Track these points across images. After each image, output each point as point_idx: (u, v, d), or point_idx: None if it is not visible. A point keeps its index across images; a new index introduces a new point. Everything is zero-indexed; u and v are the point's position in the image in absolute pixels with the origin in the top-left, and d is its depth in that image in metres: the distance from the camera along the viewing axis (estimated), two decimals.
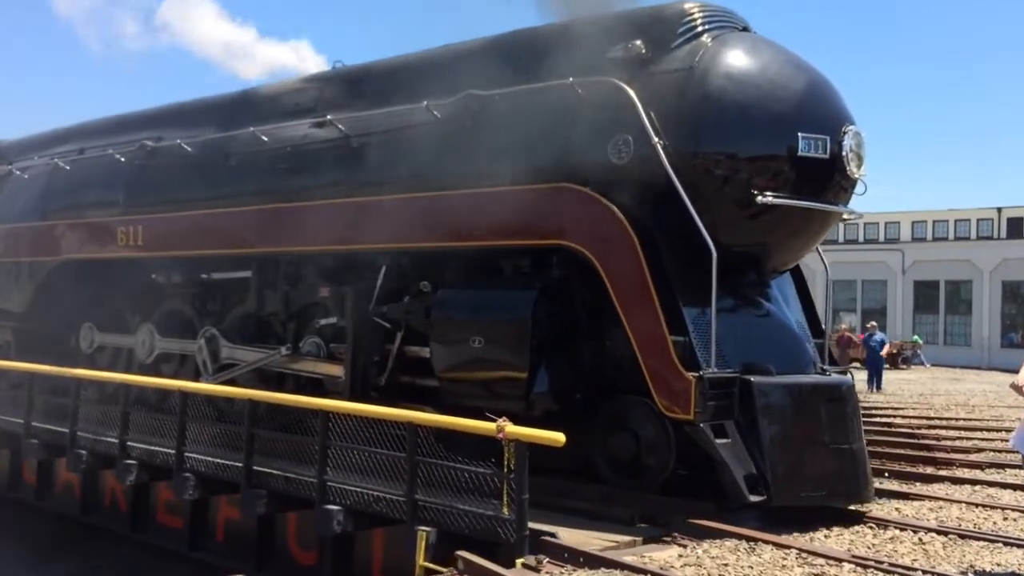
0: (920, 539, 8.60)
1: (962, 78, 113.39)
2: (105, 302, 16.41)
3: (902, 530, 8.87)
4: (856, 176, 9.64)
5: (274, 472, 10.38)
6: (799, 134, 9.21)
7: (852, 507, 9.31)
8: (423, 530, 8.59)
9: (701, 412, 8.51)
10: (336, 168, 12.28)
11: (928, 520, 9.40)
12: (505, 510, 8.04)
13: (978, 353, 45.41)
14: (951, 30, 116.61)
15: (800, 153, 9.24)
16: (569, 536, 8.18)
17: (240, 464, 10.62)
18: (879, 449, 14.11)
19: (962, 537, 8.70)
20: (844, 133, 9.46)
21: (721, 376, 8.76)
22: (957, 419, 19.14)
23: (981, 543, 8.54)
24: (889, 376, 26.54)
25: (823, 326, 11.20)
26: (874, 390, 25.03)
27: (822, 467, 9.03)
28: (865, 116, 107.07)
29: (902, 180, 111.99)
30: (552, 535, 7.98)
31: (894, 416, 19.41)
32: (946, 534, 8.76)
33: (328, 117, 12.34)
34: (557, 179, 9.70)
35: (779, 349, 9.52)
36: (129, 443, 12.46)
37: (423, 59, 12.09)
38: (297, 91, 13.70)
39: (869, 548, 8.26)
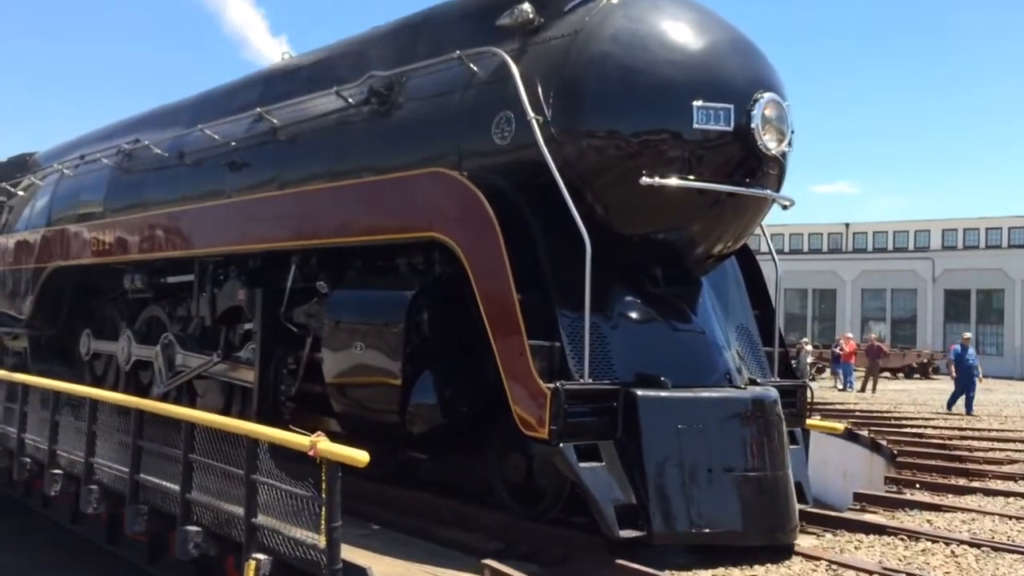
0: (952, 552, 7.92)
1: (996, 83, 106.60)
2: (98, 309, 15.42)
3: (934, 542, 8.18)
4: (771, 152, 7.58)
5: (151, 487, 9.02)
6: (694, 103, 7.30)
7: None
8: (254, 558, 7.15)
9: (558, 430, 6.69)
10: (264, 163, 10.96)
11: (961, 532, 8.75)
12: (321, 539, 6.46)
13: (1010, 363, 42.26)
14: (974, 32, 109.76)
15: (696, 125, 7.32)
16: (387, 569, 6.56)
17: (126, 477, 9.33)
18: (910, 460, 13.73)
19: (995, 550, 8.01)
20: (754, 101, 7.44)
21: (592, 389, 6.93)
22: (989, 430, 18.03)
23: (1015, 556, 7.84)
24: (920, 386, 24.20)
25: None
26: (958, 409, 22.08)
27: (725, 499, 7.11)
28: (896, 122, 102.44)
29: (932, 187, 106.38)
30: (364, 570, 6.33)
31: (925, 427, 18.25)
32: (979, 547, 8.08)
33: (258, 111, 10.98)
34: (437, 164, 8.06)
35: (687, 359, 7.61)
36: (59, 452, 11.32)
37: (351, 44, 10.66)
38: (247, 87, 12.41)
39: (900, 560, 7.60)
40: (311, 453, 6.43)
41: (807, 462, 9.08)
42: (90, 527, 13.23)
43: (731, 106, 7.36)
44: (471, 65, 8.25)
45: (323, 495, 6.42)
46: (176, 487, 8.43)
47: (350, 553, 6.98)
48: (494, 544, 7.41)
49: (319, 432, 6.52)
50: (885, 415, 20.51)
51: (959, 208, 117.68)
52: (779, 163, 7.80)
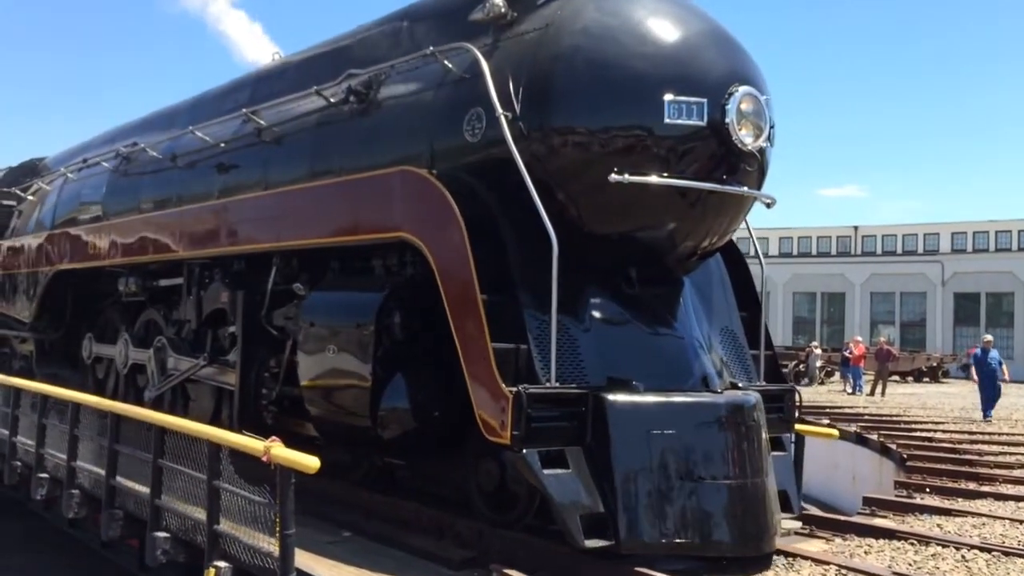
0: (963, 556, 7.80)
1: (1004, 86, 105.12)
2: (100, 312, 15.16)
3: (944, 547, 8.08)
4: (749, 148, 7.17)
5: (126, 492, 8.76)
6: (666, 97, 6.91)
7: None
8: (215, 566, 6.85)
9: (520, 435, 6.33)
10: (251, 164, 10.70)
11: (971, 537, 8.64)
12: (275, 546, 6.15)
13: (1021, 367, 41.31)
14: (983, 35, 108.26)
15: (667, 120, 6.93)
16: None
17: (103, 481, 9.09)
18: (920, 464, 13.56)
19: (1006, 554, 7.87)
20: (729, 95, 7.04)
21: (557, 392, 6.57)
22: (1000, 434, 17.66)
23: None
24: (929, 389, 23.63)
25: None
26: (974, 414, 21.55)
27: (698, 507, 6.72)
28: (905, 125, 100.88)
29: (942, 191, 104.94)
30: None
31: (935, 430, 17.93)
32: (990, 551, 7.96)
33: (244, 112, 10.72)
34: (412, 162, 7.74)
35: (661, 362, 7.23)
36: (45, 456, 11.07)
37: (335, 42, 10.40)
38: (238, 88, 12.17)
39: (911, 565, 7.49)
40: (265, 458, 6.12)
41: (799, 468, 8.72)
42: (86, 531, 13.07)
43: (704, 100, 6.96)
44: (445, 61, 7.95)
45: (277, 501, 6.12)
46: (147, 491, 8.16)
47: (311, 561, 6.74)
48: (465, 552, 7.10)
49: (274, 437, 6.21)
50: (895, 419, 20.19)
51: (969, 211, 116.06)
52: (758, 159, 7.40)
